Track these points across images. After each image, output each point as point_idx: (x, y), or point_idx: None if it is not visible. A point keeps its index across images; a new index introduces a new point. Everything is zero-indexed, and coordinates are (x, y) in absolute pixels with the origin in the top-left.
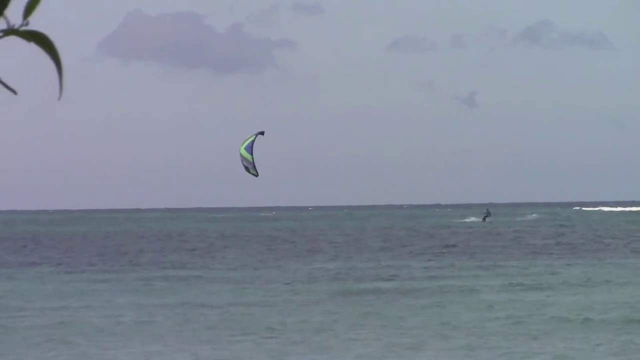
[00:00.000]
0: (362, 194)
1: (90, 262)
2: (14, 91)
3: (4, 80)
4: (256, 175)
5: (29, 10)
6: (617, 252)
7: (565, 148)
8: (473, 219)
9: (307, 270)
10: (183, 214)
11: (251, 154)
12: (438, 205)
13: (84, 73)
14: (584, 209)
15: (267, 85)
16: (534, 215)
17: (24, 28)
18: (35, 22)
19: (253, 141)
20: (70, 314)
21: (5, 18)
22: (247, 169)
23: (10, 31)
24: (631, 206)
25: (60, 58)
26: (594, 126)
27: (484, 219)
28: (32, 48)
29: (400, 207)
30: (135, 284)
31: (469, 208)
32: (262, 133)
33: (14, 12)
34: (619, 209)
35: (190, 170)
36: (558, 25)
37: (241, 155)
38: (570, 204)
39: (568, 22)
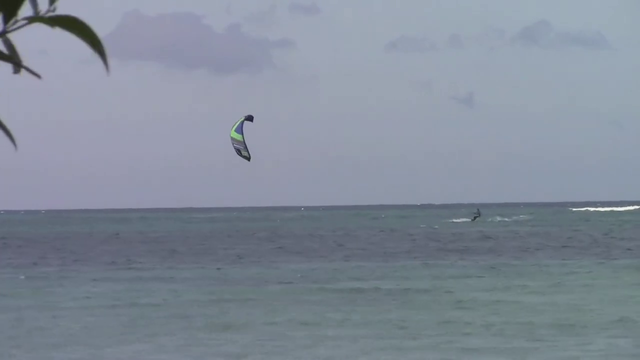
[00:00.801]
0: (359, 194)
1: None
2: (38, 75)
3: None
4: (248, 158)
5: None
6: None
7: (563, 148)
8: (463, 219)
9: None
10: (176, 215)
11: (241, 134)
12: (432, 206)
13: (82, 74)
14: (576, 209)
15: (266, 85)
16: (521, 216)
17: (50, 14)
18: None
19: (242, 122)
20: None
21: (33, 3)
22: (238, 151)
23: (36, 18)
24: (628, 206)
25: (97, 37)
26: (592, 126)
27: (473, 219)
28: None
29: (392, 207)
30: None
31: (460, 208)
32: (250, 118)
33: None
34: (612, 209)
35: (189, 169)
36: (556, 25)
37: (232, 138)
38: (565, 204)
39: (566, 22)
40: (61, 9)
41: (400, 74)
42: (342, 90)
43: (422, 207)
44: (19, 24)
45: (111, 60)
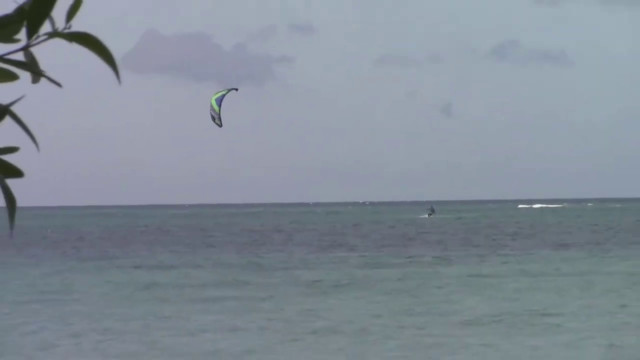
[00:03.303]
0: (355, 192)
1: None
2: (58, 84)
3: (49, 75)
4: (220, 125)
5: (70, 14)
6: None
7: (526, 153)
8: (419, 215)
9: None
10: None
11: (219, 106)
12: (404, 203)
13: (106, 85)
14: (522, 206)
15: (268, 97)
16: (471, 214)
17: (67, 30)
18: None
19: (224, 95)
20: None
21: (51, 20)
22: (213, 118)
23: (55, 34)
24: (562, 203)
25: (109, 51)
26: (555, 132)
27: (429, 215)
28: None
29: (366, 203)
30: None
31: (423, 205)
32: (236, 89)
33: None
34: (554, 205)
35: (195, 171)
36: (526, 42)
37: (211, 105)
38: (514, 201)
39: (534, 40)
40: (89, 27)
41: (387, 86)
42: (335, 101)
43: (392, 204)
44: (40, 39)
45: (131, 74)
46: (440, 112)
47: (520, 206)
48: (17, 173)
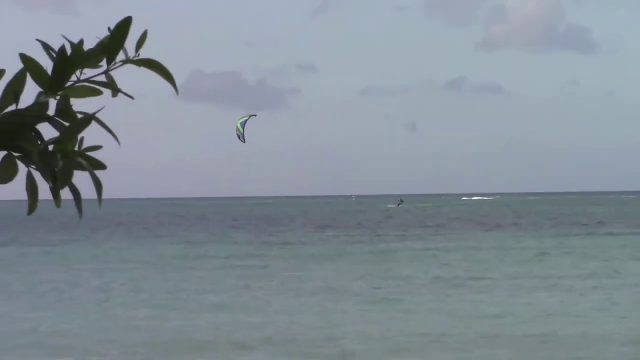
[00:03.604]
0: (336, 188)
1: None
2: (131, 97)
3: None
4: (243, 142)
5: (138, 45)
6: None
7: (469, 158)
8: (390, 205)
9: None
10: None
11: (243, 127)
12: (379, 195)
13: (165, 109)
14: (466, 198)
15: (282, 119)
16: (428, 204)
17: (136, 58)
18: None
19: (247, 120)
20: None
21: (124, 51)
22: (238, 136)
23: (127, 61)
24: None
25: (169, 71)
26: (492, 147)
27: (398, 205)
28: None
29: (351, 196)
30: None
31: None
32: (255, 115)
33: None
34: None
35: (224, 168)
36: (472, 78)
37: (236, 127)
38: (461, 195)
39: (479, 75)
40: (153, 55)
41: (369, 110)
42: (332, 121)
43: (374, 196)
44: (116, 65)
45: (180, 101)
46: (408, 129)
47: (463, 198)
48: (101, 166)
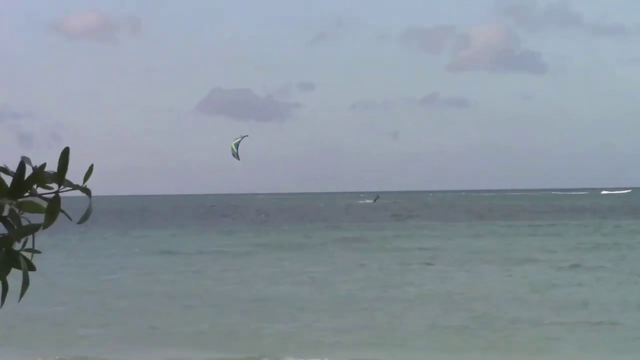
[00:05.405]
0: (327, 185)
1: None
2: (69, 218)
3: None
4: (238, 159)
5: (86, 177)
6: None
7: (438, 161)
8: (368, 200)
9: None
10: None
11: (237, 148)
12: (369, 192)
13: (190, 121)
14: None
15: (287, 129)
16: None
17: (82, 186)
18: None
19: (239, 141)
20: None
21: (68, 181)
22: (233, 155)
23: (74, 187)
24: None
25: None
26: (470, 153)
27: (374, 201)
28: None
29: (338, 193)
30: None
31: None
32: (247, 135)
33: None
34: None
35: (233, 170)
36: (443, 94)
37: (232, 148)
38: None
39: (449, 92)
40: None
41: (358, 122)
42: (328, 132)
43: (360, 192)
44: (64, 189)
45: (202, 114)
46: (391, 136)
47: (431, 194)
48: (32, 268)
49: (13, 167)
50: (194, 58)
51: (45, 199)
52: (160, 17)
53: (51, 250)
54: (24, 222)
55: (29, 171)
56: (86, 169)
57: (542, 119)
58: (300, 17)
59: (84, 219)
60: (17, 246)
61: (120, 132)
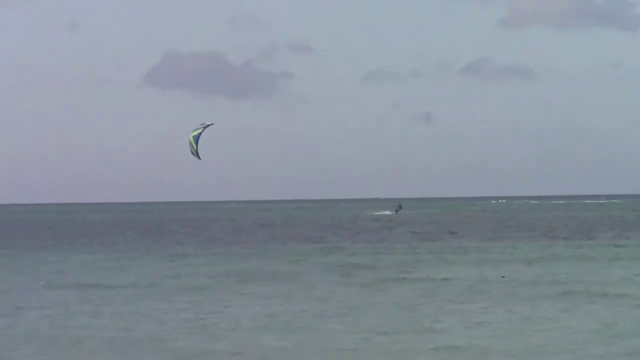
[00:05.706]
0: (340, 189)
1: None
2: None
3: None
4: (199, 159)
5: None
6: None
7: (496, 157)
8: (386, 212)
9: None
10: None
11: (196, 143)
12: (388, 200)
13: (134, 97)
14: (493, 201)
15: (272, 107)
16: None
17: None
18: None
19: (201, 132)
20: None
21: None
22: (192, 153)
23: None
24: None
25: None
26: (519, 139)
27: (396, 212)
28: None
29: (344, 200)
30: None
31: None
32: (212, 124)
33: None
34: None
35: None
36: (496, 60)
37: (190, 143)
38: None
39: (503, 57)
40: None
41: (374, 98)
42: (329, 111)
43: (370, 200)
44: None
45: (153, 88)
46: (420, 120)
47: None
48: None
49: None
50: (138, 8)
51: None
52: None
53: None
54: None
55: None
56: None
57: (639, 92)
58: None
59: None
60: None
61: (38, 110)
